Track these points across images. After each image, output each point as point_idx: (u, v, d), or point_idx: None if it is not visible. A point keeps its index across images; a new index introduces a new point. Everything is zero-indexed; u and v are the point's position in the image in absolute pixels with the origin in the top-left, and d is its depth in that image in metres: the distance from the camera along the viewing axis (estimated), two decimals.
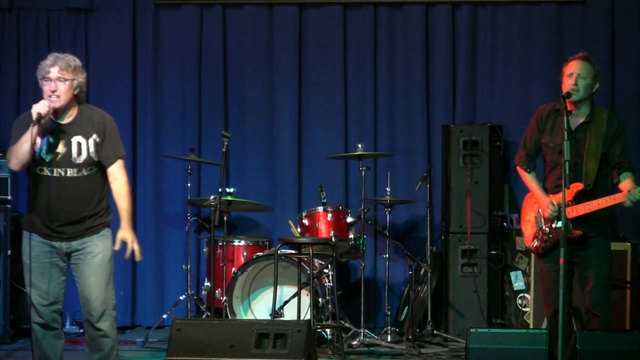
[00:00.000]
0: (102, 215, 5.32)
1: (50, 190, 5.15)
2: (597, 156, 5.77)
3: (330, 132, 8.22)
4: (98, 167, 5.27)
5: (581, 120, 5.82)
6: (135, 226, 8.17)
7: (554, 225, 5.77)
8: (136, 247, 5.32)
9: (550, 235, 5.78)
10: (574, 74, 5.78)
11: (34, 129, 5.01)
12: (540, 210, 5.90)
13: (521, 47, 8.09)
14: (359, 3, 8.22)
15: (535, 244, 5.90)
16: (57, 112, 5.17)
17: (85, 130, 5.21)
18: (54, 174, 5.16)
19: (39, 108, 5.03)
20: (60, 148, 5.17)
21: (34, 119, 5.02)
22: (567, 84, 5.78)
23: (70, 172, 5.17)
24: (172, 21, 8.29)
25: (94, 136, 5.21)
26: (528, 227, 6.01)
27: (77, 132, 5.19)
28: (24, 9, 8.25)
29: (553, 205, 5.75)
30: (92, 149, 5.21)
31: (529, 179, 6.00)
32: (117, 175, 5.31)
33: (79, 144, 5.20)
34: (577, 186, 5.73)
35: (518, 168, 6.07)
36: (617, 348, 5.58)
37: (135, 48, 8.28)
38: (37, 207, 5.20)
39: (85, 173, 5.21)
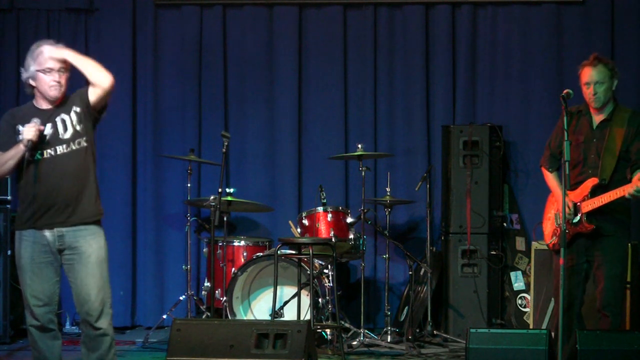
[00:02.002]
0: (93, 200, 5.29)
1: (41, 172, 5.18)
2: (615, 153, 5.83)
3: (330, 132, 8.22)
4: (86, 141, 5.26)
5: (602, 117, 5.90)
6: (135, 226, 8.24)
7: (570, 221, 5.81)
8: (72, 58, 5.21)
9: (567, 232, 5.80)
10: (590, 83, 5.85)
11: (22, 151, 5.10)
12: (559, 208, 5.95)
13: (521, 47, 8.08)
14: (359, 3, 8.22)
15: (554, 240, 5.96)
16: (51, 102, 5.24)
17: (65, 108, 5.27)
18: (45, 156, 5.20)
19: (30, 135, 5.11)
20: (47, 131, 5.21)
21: (25, 145, 5.09)
22: (586, 94, 5.90)
23: (60, 150, 5.20)
24: (172, 21, 8.29)
25: (74, 108, 5.26)
26: (548, 225, 6.08)
27: (59, 113, 5.26)
28: (24, 9, 8.25)
29: (569, 207, 5.79)
30: (75, 120, 5.24)
31: (551, 178, 6.10)
32: None
33: (63, 121, 5.24)
34: (593, 181, 5.80)
35: (542, 169, 6.15)
36: (617, 348, 5.59)
37: (135, 48, 8.28)
38: (28, 192, 5.22)
39: (73, 147, 5.23)
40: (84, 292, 5.25)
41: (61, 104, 5.27)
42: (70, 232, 5.23)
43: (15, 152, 5.15)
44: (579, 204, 5.82)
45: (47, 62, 5.21)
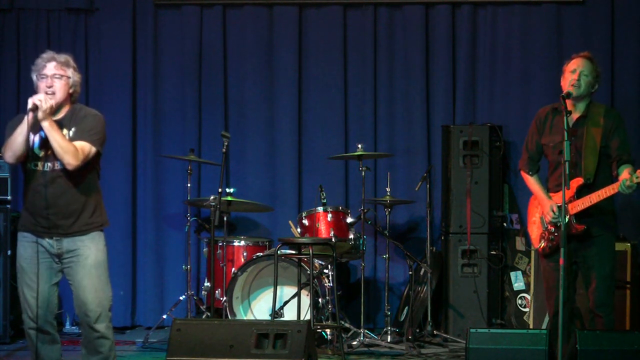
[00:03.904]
0: (94, 214, 5.28)
1: (41, 183, 5.16)
2: (595, 150, 5.80)
3: (330, 132, 8.22)
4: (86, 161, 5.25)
5: (577, 115, 5.86)
6: (135, 227, 8.25)
7: (558, 225, 5.78)
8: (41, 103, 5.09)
9: (556, 234, 5.79)
10: (577, 70, 5.84)
11: (29, 118, 5.03)
12: (544, 211, 5.92)
13: (521, 47, 8.08)
14: (359, 3, 8.22)
15: (542, 244, 5.92)
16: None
17: (72, 124, 5.23)
18: (46, 168, 5.18)
19: (35, 99, 5.07)
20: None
21: (29, 108, 5.04)
22: (569, 79, 5.82)
23: (59, 165, 5.17)
24: (172, 21, 8.29)
25: (73, 128, 5.22)
26: (534, 229, 6.03)
27: (64, 127, 5.21)
28: (24, 9, 8.25)
29: (554, 212, 5.77)
30: (72, 138, 5.20)
31: (532, 182, 6.06)
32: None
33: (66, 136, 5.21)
34: (578, 181, 5.77)
35: (522, 172, 6.11)
36: (617, 348, 5.58)
37: (135, 48, 8.28)
38: (29, 202, 5.22)
39: None
40: (81, 294, 5.24)
41: (65, 116, 5.23)
42: (69, 239, 5.23)
43: (22, 125, 5.07)
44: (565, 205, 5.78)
45: (42, 68, 5.20)
